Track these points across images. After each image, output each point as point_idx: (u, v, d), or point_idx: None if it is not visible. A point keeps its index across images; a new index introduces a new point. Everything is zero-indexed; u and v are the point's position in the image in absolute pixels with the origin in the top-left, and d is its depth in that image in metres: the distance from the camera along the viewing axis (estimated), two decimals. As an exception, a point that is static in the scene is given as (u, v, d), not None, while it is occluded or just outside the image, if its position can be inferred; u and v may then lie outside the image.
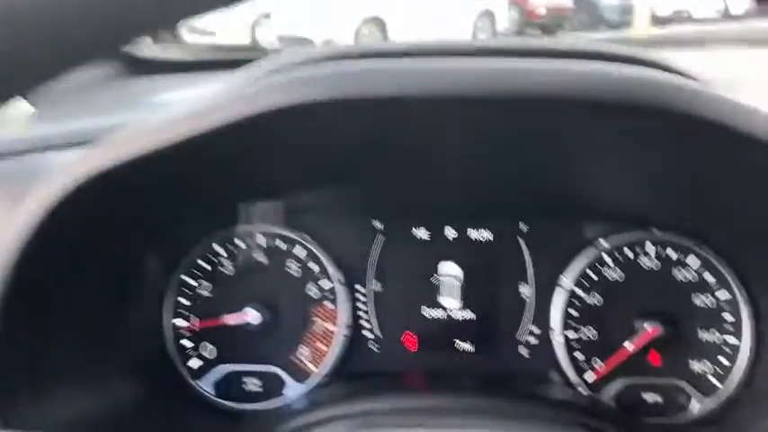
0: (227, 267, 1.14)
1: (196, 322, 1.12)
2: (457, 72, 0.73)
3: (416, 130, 0.84)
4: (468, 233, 1.14)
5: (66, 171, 0.75)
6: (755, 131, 0.71)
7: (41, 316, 0.81)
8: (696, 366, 1.08)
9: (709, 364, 1.07)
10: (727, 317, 1.07)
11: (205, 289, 1.13)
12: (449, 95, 0.73)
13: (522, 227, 1.13)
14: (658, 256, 1.09)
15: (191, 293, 1.13)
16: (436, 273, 1.14)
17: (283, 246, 1.14)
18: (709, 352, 1.07)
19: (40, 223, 0.74)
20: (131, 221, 0.92)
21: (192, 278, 1.13)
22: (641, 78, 0.73)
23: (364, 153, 0.94)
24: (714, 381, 1.07)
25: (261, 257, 1.14)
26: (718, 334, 1.08)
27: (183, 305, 1.13)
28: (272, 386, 1.11)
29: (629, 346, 1.06)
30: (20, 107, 1.35)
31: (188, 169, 0.85)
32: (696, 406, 1.06)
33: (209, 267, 1.13)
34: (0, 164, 1.14)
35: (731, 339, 1.07)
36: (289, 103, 0.72)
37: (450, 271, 1.14)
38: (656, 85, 0.72)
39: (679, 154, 0.85)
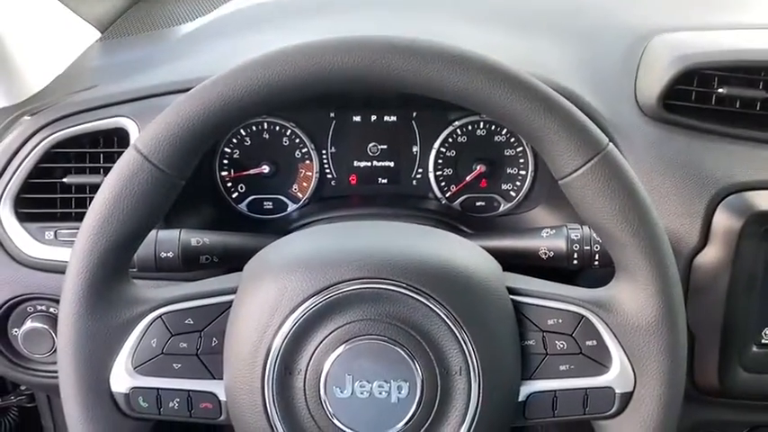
0: (248, 141, 1.93)
1: (233, 173, 1.95)
2: None
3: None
4: (383, 117, 1.92)
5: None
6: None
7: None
8: (504, 186, 1.76)
9: (511, 185, 1.85)
10: (521, 159, 1.73)
11: (236, 154, 1.94)
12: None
13: (413, 113, 1.91)
14: (486, 129, 1.71)
15: (228, 157, 1.93)
16: (366, 141, 1.95)
17: (278, 128, 1.93)
18: (511, 178, 1.73)
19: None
20: None
21: (229, 149, 1.92)
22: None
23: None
24: (513, 193, 1.75)
25: (266, 135, 1.93)
26: (515, 168, 1.76)
27: (225, 164, 1.92)
28: (280, 206, 1.77)
29: (469, 177, 1.74)
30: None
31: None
32: (503, 207, 1.93)
33: (238, 141, 1.91)
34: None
35: (522, 171, 1.74)
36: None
37: (373, 140, 1.95)
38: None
39: None
